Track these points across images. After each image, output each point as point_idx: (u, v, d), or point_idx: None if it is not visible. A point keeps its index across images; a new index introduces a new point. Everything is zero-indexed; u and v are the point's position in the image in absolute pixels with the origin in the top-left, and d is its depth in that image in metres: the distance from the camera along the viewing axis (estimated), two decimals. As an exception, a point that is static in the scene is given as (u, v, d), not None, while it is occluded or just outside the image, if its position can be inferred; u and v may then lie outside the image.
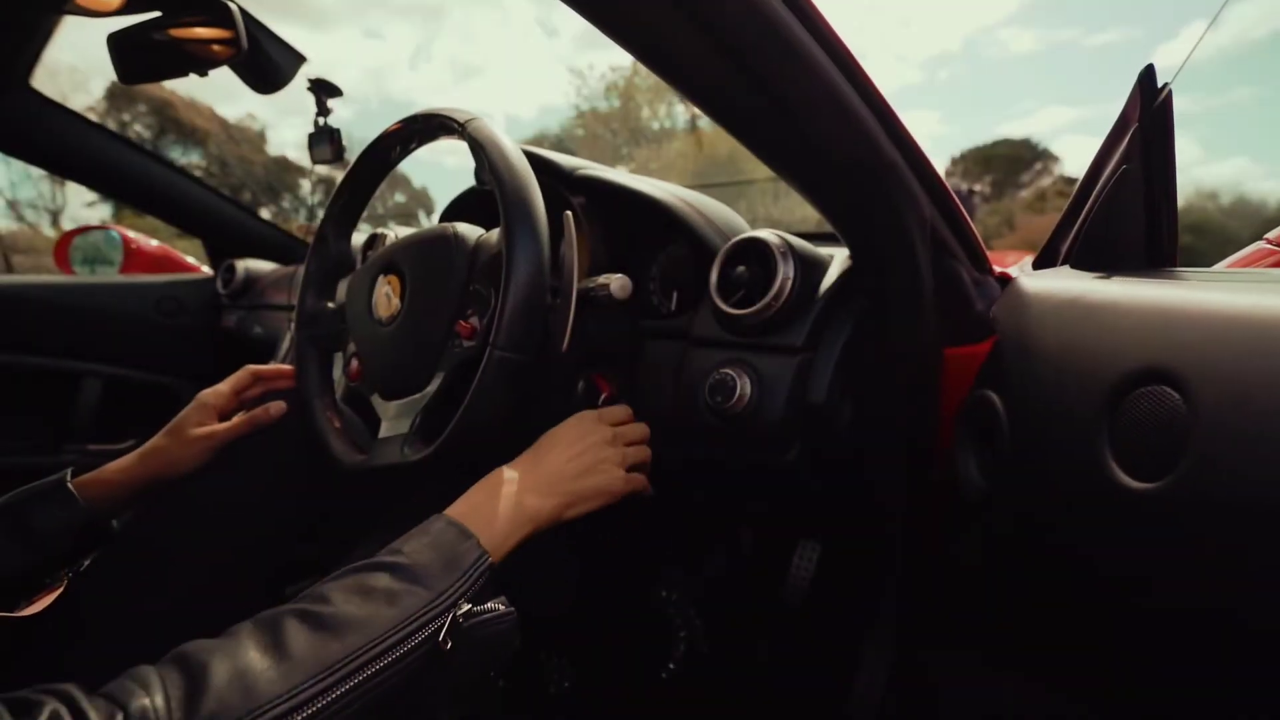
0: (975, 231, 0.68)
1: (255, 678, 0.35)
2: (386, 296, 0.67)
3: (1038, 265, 0.70)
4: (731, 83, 0.45)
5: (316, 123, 1.10)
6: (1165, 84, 0.58)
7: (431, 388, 0.62)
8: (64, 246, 1.70)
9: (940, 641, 0.84)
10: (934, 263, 0.64)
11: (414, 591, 0.42)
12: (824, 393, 0.65)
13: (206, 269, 1.77)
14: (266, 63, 0.96)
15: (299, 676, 0.36)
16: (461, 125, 0.61)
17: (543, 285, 0.54)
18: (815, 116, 0.48)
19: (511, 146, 0.59)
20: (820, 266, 0.69)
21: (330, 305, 0.77)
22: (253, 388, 0.74)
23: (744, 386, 0.65)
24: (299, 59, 0.99)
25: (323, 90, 1.07)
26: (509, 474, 0.54)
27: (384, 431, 0.65)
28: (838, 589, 1.00)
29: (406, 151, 0.71)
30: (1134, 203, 0.59)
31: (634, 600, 1.04)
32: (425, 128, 0.66)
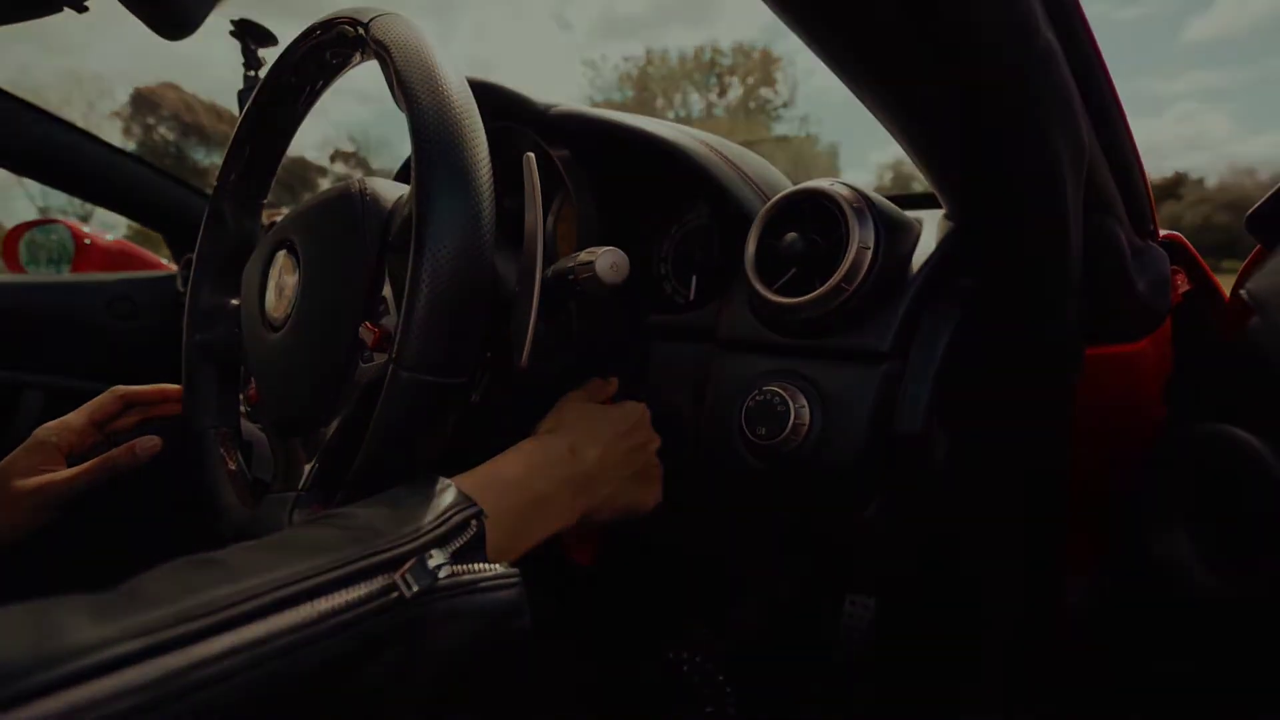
0: (1145, 173, 0.45)
1: (70, 621, 0.22)
2: (279, 287, 0.47)
3: (1265, 225, 0.46)
4: None
5: (246, 77, 0.89)
6: None
7: (335, 422, 0.42)
8: (12, 242, 1.54)
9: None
10: (1084, 220, 0.43)
11: (358, 539, 0.29)
12: (920, 419, 0.44)
13: (176, 267, 1.59)
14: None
15: (147, 615, 0.23)
16: (364, 26, 0.40)
17: (476, 265, 0.34)
18: None
19: (436, 54, 0.38)
20: (909, 232, 0.47)
21: (234, 302, 0.58)
22: (122, 416, 0.55)
23: (800, 412, 0.44)
24: (212, -6, 0.79)
25: (250, 36, 0.86)
26: (542, 456, 0.42)
27: (287, 482, 0.47)
28: (907, 642, 0.80)
29: (317, 92, 0.52)
30: None
31: (645, 665, 0.84)
32: (327, 40, 0.46)
